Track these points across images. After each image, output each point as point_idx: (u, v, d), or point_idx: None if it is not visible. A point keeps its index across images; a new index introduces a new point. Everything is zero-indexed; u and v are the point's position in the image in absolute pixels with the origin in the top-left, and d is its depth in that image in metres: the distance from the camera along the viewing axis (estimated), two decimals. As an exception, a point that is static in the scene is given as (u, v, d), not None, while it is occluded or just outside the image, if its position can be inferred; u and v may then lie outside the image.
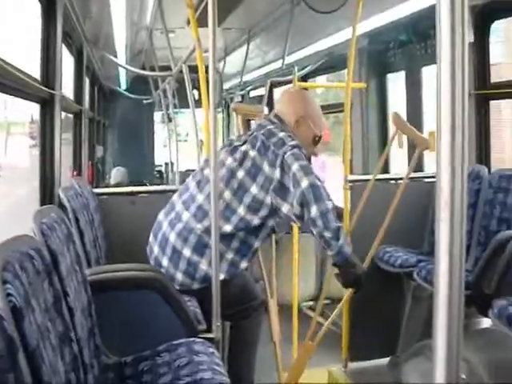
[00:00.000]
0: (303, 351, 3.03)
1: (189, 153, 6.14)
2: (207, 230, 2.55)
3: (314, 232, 2.49)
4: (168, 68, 5.77)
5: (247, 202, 2.61)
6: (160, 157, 10.18)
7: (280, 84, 7.66)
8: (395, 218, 3.76)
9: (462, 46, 0.96)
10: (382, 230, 3.07)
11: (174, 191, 3.62)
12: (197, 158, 5.01)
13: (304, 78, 6.37)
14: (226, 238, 2.61)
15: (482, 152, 4.03)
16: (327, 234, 2.44)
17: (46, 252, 1.81)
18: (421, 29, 4.39)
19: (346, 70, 3.62)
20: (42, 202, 2.93)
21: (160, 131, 10.10)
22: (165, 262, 2.69)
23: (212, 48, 2.83)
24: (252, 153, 2.64)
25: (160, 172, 10.11)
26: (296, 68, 5.08)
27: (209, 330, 2.41)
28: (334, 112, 6.62)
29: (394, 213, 3.50)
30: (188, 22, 5.24)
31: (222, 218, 2.58)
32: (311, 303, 4.39)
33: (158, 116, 10.25)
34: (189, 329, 2.33)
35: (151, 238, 2.83)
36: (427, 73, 4.70)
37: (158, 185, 8.32)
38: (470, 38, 3.99)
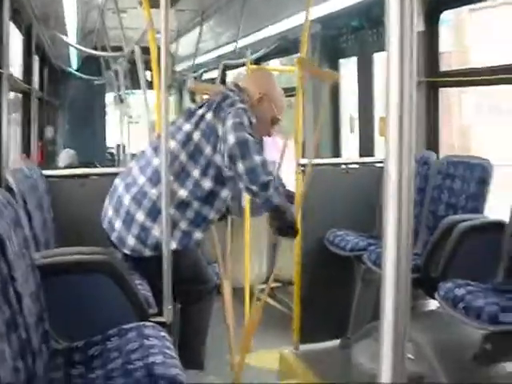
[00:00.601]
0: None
1: (141, 134, 6.05)
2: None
3: (241, 186, 2.53)
4: (120, 48, 5.68)
5: (202, 163, 2.63)
6: (112, 138, 10.01)
7: (233, 67, 7.63)
8: (346, 201, 3.82)
9: (410, 35, 0.97)
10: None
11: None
12: (148, 139, 4.97)
13: (257, 62, 6.36)
14: (180, 206, 2.63)
15: (431, 138, 4.11)
16: (254, 188, 2.47)
17: (-8, 236, 1.77)
18: (373, 15, 4.43)
19: (298, 54, 3.62)
20: (-11, 186, 2.85)
21: (112, 112, 9.91)
22: (117, 224, 2.70)
23: (164, 29, 2.79)
24: (208, 115, 2.67)
25: (112, 154, 9.96)
26: (249, 51, 5.08)
27: (160, 314, 2.40)
28: (287, 96, 6.63)
29: (345, 197, 3.56)
30: (141, 3, 5.15)
31: (177, 182, 2.61)
32: (264, 286, 4.41)
33: (110, 97, 10.06)
34: (140, 312, 2.31)
35: (106, 201, 2.83)
36: (378, 59, 4.76)
37: (110, 167, 8.20)
38: (419, 27, 4.06)
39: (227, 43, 6.60)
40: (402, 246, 1.00)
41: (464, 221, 3.00)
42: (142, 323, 2.22)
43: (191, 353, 2.83)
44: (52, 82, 8.67)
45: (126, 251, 2.68)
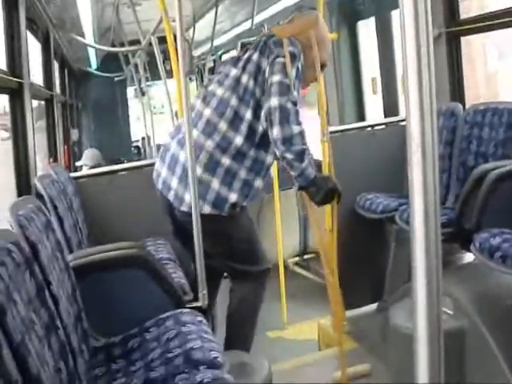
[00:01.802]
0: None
1: (165, 125, 6.07)
2: (218, 146, 2.54)
3: (277, 153, 2.49)
4: (137, 42, 5.70)
5: (253, 105, 2.55)
6: (137, 132, 10.10)
7: (251, 44, 7.59)
8: (375, 164, 3.77)
9: None
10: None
11: (151, 165, 3.63)
12: (172, 128, 5.00)
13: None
14: (237, 156, 2.56)
15: (456, 89, 4.02)
16: (289, 156, 2.44)
17: (25, 244, 1.82)
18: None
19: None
20: (19, 194, 2.93)
21: (135, 106, 9.99)
22: (174, 182, 2.62)
23: (179, 16, 2.79)
24: (254, 55, 2.59)
25: (138, 147, 10.07)
26: (266, 27, 5.03)
27: (196, 299, 2.44)
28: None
29: (373, 159, 3.51)
30: (155, -7, 5.16)
31: (231, 129, 2.55)
32: (297, 259, 4.43)
33: (131, 91, 10.14)
34: (175, 301, 2.35)
35: (158, 162, 2.77)
36: (397, 16, 4.65)
37: (137, 160, 8.31)
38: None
39: (243, 21, 6.55)
40: (430, 207, 0.97)
41: (494, 169, 2.94)
42: (178, 311, 2.27)
43: (239, 334, 2.80)
44: (73, 85, 8.79)
45: (184, 208, 2.58)
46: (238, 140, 2.54)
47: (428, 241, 0.98)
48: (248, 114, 2.54)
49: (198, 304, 2.39)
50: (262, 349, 2.88)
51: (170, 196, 2.65)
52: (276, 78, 2.45)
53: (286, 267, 3.89)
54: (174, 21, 3.03)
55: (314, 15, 2.82)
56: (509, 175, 2.92)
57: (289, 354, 3.23)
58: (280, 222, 3.67)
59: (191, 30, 7.23)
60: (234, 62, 2.66)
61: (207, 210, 2.55)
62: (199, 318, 2.20)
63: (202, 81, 9.08)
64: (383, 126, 4.15)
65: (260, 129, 2.56)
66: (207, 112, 2.61)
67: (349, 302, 3.01)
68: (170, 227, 2.97)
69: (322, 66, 2.79)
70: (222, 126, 2.55)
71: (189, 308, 2.32)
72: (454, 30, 3.98)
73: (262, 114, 2.53)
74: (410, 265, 1.01)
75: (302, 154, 2.43)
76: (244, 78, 2.57)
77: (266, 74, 2.50)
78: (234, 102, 2.56)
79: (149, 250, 2.79)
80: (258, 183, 2.66)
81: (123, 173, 3.50)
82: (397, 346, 2.61)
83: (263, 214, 4.21)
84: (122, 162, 7.41)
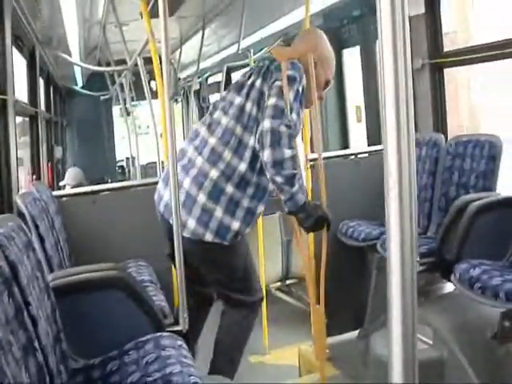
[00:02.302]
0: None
1: (151, 145, 6.09)
2: (223, 174, 2.53)
3: (267, 175, 2.47)
4: (124, 62, 5.72)
5: (256, 131, 2.52)
6: (122, 152, 10.09)
7: (237, 68, 7.63)
8: (358, 191, 3.81)
9: (402, 19, 0.97)
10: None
11: (135, 186, 3.62)
12: (156, 149, 4.99)
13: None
14: (241, 184, 2.55)
15: (439, 120, 4.09)
16: (279, 179, 2.42)
17: (4, 263, 1.79)
18: (373, 2, 4.41)
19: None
20: (0, 212, 2.90)
21: (120, 126, 9.99)
22: None
23: (164, 38, 2.81)
24: (257, 81, 2.59)
25: (122, 167, 10.04)
26: (252, 51, 5.08)
27: (176, 323, 2.42)
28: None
29: (357, 187, 3.54)
30: (141, 14, 5.19)
31: (236, 156, 2.54)
32: (279, 284, 4.42)
33: (117, 110, 10.15)
34: (155, 324, 2.32)
35: (160, 185, 2.75)
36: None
37: (121, 181, 8.27)
38: (420, 9, 4.03)
39: (230, 45, 6.61)
40: (406, 240, 0.98)
41: (475, 200, 2.98)
42: (158, 334, 2.25)
43: (226, 358, 2.77)
44: (58, 102, 8.76)
45: (186, 234, 2.55)
46: (242, 167, 2.54)
47: (404, 275, 0.98)
48: (251, 141, 2.54)
49: (179, 328, 2.37)
50: (243, 373, 2.85)
51: (172, 221, 2.57)
52: (272, 100, 2.46)
53: (268, 292, 3.87)
54: (160, 42, 3.07)
55: (317, 34, 2.80)
56: (489, 207, 2.97)
57: (269, 379, 3.21)
58: (263, 247, 3.66)
59: (178, 52, 7.28)
60: (239, 88, 2.66)
61: (209, 238, 2.55)
62: (179, 342, 2.19)
63: (188, 103, 9.11)
64: (366, 155, 4.20)
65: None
66: (212, 140, 2.60)
67: (330, 328, 3.00)
68: (153, 249, 2.96)
69: (327, 83, 2.77)
70: (227, 154, 2.55)
71: (169, 332, 2.30)
72: (437, 61, 4.06)
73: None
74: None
75: (292, 179, 2.42)
76: (248, 106, 2.57)
77: (266, 98, 2.52)
78: (238, 130, 2.56)
79: (130, 271, 2.77)
80: (260, 209, 2.66)
81: (107, 193, 3.48)
82: (376, 375, 2.61)
83: (246, 237, 4.21)
84: (106, 182, 7.39)
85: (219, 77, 7.88)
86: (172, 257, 2.68)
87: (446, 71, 4.18)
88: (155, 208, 2.77)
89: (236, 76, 8.18)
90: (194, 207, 2.56)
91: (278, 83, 2.50)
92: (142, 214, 3.35)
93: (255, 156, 2.53)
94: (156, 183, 3.39)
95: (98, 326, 2.28)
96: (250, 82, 2.63)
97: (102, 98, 9.28)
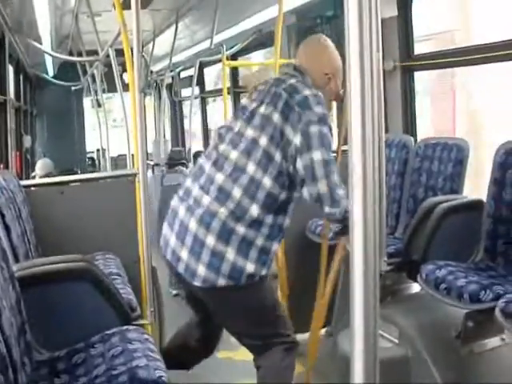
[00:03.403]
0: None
1: (124, 138, 6.04)
2: (232, 214, 2.29)
3: (323, 209, 2.31)
4: (95, 52, 5.66)
5: (273, 172, 2.30)
6: (93, 143, 9.98)
7: (209, 63, 7.60)
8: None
9: (369, 21, 0.97)
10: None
11: (104, 178, 3.58)
12: (127, 142, 4.95)
13: (233, 57, 6.36)
14: (254, 224, 2.31)
15: (408, 122, 4.14)
16: (337, 214, 2.29)
17: (-32, 252, 1.77)
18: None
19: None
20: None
21: (92, 117, 9.90)
22: (184, 254, 2.35)
23: (136, 30, 2.78)
24: (275, 116, 2.33)
25: (92, 159, 9.94)
26: (224, 47, 5.08)
27: (143, 316, 2.41)
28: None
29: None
30: (114, 5, 5.13)
31: (246, 197, 2.30)
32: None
33: (89, 101, 10.04)
34: (122, 317, 2.31)
35: (165, 229, 2.50)
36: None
37: (91, 172, 8.19)
38: (392, 12, 4.08)
39: (203, 40, 6.59)
40: (369, 241, 1.00)
41: (442, 202, 3.03)
42: (125, 327, 2.23)
43: None
44: (29, 91, 8.63)
45: (197, 283, 2.33)
46: (254, 209, 2.30)
47: (367, 271, 1.00)
48: (266, 181, 2.31)
49: (145, 321, 2.36)
50: (211, 370, 2.85)
51: (181, 269, 2.39)
52: (313, 128, 2.26)
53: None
54: (132, 34, 3.04)
55: (324, 46, 2.57)
56: (456, 209, 3.03)
57: (238, 376, 3.20)
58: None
59: (150, 45, 7.23)
60: (249, 117, 2.41)
61: (222, 282, 2.31)
62: (146, 336, 2.18)
63: (160, 96, 9.05)
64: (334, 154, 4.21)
65: (282, 196, 2.34)
66: (220, 178, 2.36)
67: (298, 326, 3.01)
68: (121, 242, 2.93)
69: (340, 98, 2.61)
70: (237, 193, 2.31)
71: (136, 325, 2.29)
72: (407, 64, 4.12)
73: (284, 180, 2.33)
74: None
75: (347, 212, 2.27)
76: (262, 141, 2.33)
77: (291, 136, 2.29)
78: (250, 167, 2.32)
79: (97, 264, 2.74)
80: (275, 248, 2.43)
81: (76, 184, 3.44)
82: (342, 373, 2.63)
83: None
84: (76, 173, 7.29)
85: (192, 71, 7.84)
86: (188, 300, 2.61)
87: (442, 72, 4.23)
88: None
89: (209, 72, 8.20)
90: (203, 252, 2.31)
91: (314, 128, 2.28)
92: (111, 207, 3.32)
93: (270, 196, 2.32)
94: (125, 176, 3.39)
95: (63, 317, 2.26)
96: (262, 111, 2.38)
97: (73, 88, 9.17)
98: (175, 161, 7.26)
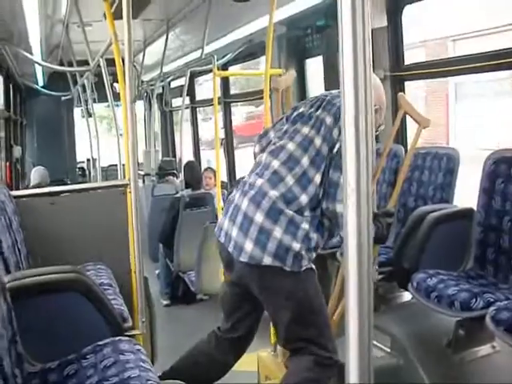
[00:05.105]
0: None
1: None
2: (283, 197, 2.37)
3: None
4: (86, 62, 5.66)
5: (322, 169, 2.41)
6: (85, 153, 9.94)
7: (200, 73, 7.60)
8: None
9: (362, 32, 0.99)
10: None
11: (95, 189, 3.57)
12: (117, 151, 4.95)
13: (224, 67, 6.38)
14: (302, 210, 2.38)
15: (399, 132, 4.16)
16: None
17: (-41, 262, 1.76)
18: (337, 12, 4.47)
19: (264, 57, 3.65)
20: (-45, 211, 2.82)
21: (84, 127, 9.86)
22: (234, 232, 2.43)
23: (127, 40, 2.79)
24: (328, 119, 2.47)
25: (82, 169, 9.90)
26: (215, 57, 5.09)
27: (135, 327, 2.40)
28: (257, 99, 6.68)
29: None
30: (105, 15, 5.13)
31: (299, 187, 2.39)
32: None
33: (80, 111, 10.01)
34: (114, 328, 2.31)
35: (221, 218, 2.62)
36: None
37: (81, 183, 8.16)
38: (382, 22, 4.11)
39: (194, 50, 6.60)
40: (363, 249, 1.02)
41: (433, 211, 3.05)
42: (117, 338, 2.22)
43: None
44: (19, 101, 8.60)
45: (243, 259, 2.37)
46: (304, 199, 2.39)
47: (361, 278, 1.01)
48: (317, 178, 2.41)
49: (137, 332, 2.36)
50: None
51: (230, 247, 2.45)
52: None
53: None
54: (123, 44, 3.05)
55: (376, 82, 2.67)
56: (446, 218, 3.05)
57: None
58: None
59: (141, 55, 7.24)
60: (307, 118, 2.54)
61: (268, 260, 2.33)
62: (138, 347, 2.17)
63: (150, 106, 9.06)
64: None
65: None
66: (276, 163, 2.47)
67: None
68: (112, 253, 2.92)
69: (379, 128, 2.72)
70: (290, 179, 2.41)
71: (128, 336, 2.28)
72: (398, 74, 4.15)
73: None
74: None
75: None
76: (317, 142, 2.46)
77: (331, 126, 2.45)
78: (305, 161, 2.43)
79: (88, 274, 2.73)
80: (319, 241, 2.44)
81: (66, 194, 3.42)
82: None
83: (207, 244, 4.21)
84: (66, 183, 7.26)
85: (182, 81, 7.85)
86: (232, 284, 2.59)
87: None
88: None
89: (200, 81, 8.18)
90: (251, 228, 2.38)
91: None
92: (102, 217, 3.31)
93: (316, 192, 2.41)
94: (116, 186, 3.38)
95: (55, 329, 2.25)
96: (318, 114, 2.53)
97: (63, 98, 9.14)
98: (166, 171, 7.27)
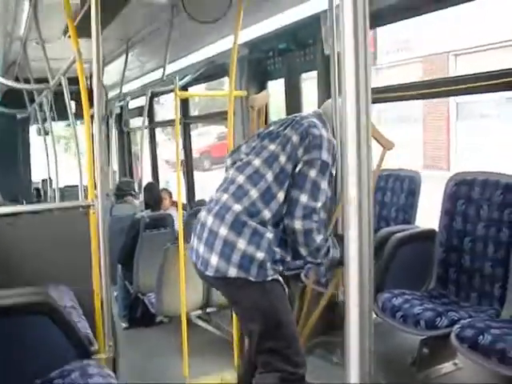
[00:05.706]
0: None
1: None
2: (246, 210, 2.42)
3: (297, 242, 2.46)
4: (44, 80, 5.57)
5: (285, 187, 2.46)
6: (40, 173, 9.70)
7: (161, 94, 7.56)
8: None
9: (363, 31, 1.01)
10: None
11: (56, 209, 3.50)
12: (78, 170, 4.86)
13: (185, 88, 6.38)
14: (264, 224, 2.43)
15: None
16: (304, 252, 2.47)
17: None
18: (300, 37, 4.53)
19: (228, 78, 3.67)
20: None
21: (41, 145, 9.63)
22: (201, 248, 2.48)
23: (96, 58, 2.76)
24: (294, 138, 2.51)
25: (37, 189, 9.64)
26: (177, 78, 5.08)
27: (101, 351, 2.35)
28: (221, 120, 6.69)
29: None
30: (65, 33, 5.07)
31: (262, 202, 2.44)
32: (199, 312, 4.39)
33: (35, 129, 9.80)
34: (81, 351, 2.25)
35: (192, 238, 2.63)
36: (306, 79, 4.87)
37: (37, 203, 7.98)
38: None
39: (154, 70, 6.58)
40: (364, 275, 1.03)
41: (396, 232, 3.10)
42: (85, 362, 2.18)
43: None
44: None
45: (209, 273, 2.42)
46: (266, 213, 2.44)
47: (362, 279, 1.03)
48: (281, 195, 2.46)
49: (104, 356, 2.31)
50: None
51: (199, 264, 2.51)
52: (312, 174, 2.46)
53: (188, 320, 3.83)
54: (85, 63, 3.02)
55: None
56: (410, 239, 3.10)
57: None
58: (184, 274, 3.63)
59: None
60: (274, 136, 2.59)
61: (233, 272, 2.37)
62: (106, 370, 2.13)
63: (108, 126, 8.93)
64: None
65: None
66: (241, 178, 2.53)
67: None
68: (74, 274, 2.86)
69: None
70: (254, 193, 2.46)
71: (94, 359, 2.23)
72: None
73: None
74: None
75: (319, 251, 2.47)
76: (282, 159, 2.50)
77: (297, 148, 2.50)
78: (269, 176, 2.48)
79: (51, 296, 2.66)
80: (283, 254, 2.49)
81: (24, 215, 3.34)
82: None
83: (168, 266, 4.17)
84: (21, 203, 7.07)
85: (141, 101, 7.81)
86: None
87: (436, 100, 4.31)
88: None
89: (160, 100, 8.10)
90: (215, 242, 2.42)
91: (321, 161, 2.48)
92: (63, 238, 3.24)
93: (280, 209, 2.46)
94: (79, 206, 3.32)
95: (20, 353, 2.17)
96: (285, 132, 2.58)
97: (18, 116, 8.95)
98: (124, 192, 7.18)
